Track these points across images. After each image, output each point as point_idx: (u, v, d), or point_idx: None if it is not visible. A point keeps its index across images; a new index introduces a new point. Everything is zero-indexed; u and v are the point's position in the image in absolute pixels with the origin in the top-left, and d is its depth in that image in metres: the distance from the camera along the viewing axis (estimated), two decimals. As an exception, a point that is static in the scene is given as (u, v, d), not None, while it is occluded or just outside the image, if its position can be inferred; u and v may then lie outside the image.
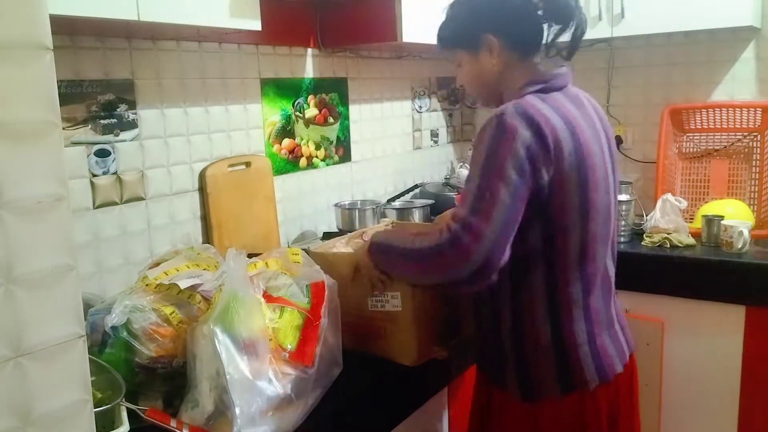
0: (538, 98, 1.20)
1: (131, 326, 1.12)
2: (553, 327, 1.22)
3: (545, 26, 1.29)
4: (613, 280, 1.33)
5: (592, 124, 1.24)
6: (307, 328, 1.18)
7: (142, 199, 1.67)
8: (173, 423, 1.03)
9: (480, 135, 1.18)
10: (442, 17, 1.37)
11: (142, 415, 1.01)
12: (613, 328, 1.31)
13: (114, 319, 1.11)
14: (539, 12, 1.28)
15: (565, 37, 1.30)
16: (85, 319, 1.02)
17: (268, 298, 1.17)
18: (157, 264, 1.34)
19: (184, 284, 1.21)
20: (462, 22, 1.32)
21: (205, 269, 1.34)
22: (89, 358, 1.03)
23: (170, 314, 1.16)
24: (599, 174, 1.21)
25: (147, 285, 1.22)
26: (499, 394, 1.31)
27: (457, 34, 1.33)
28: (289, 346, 1.13)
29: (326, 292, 1.24)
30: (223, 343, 1.03)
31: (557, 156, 1.14)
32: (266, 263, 1.24)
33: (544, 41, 1.30)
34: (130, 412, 1.01)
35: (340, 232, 2.09)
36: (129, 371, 1.11)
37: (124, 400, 1.01)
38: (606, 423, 1.26)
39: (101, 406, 0.96)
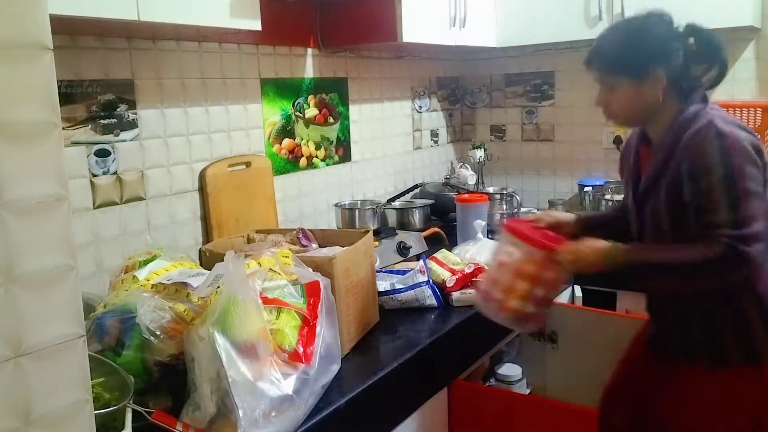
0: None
1: (150, 325, 1.12)
2: None
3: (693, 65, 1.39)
4: None
5: None
6: (305, 328, 1.18)
7: (142, 199, 1.67)
8: (179, 426, 1.03)
9: (704, 145, 1.29)
10: (608, 38, 1.42)
11: (149, 418, 1.01)
12: None
13: (145, 318, 1.11)
14: (692, 51, 1.38)
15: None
16: (85, 320, 1.02)
17: (264, 299, 1.17)
18: (129, 269, 1.33)
19: (195, 282, 1.21)
20: (634, 50, 1.37)
21: (197, 267, 1.35)
22: (100, 359, 1.04)
23: (183, 312, 1.16)
24: None
25: (142, 285, 1.22)
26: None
27: (625, 60, 1.38)
28: (288, 347, 1.13)
29: (321, 292, 1.24)
30: (223, 346, 1.03)
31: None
32: (259, 263, 1.24)
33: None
34: (138, 413, 1.00)
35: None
36: (145, 371, 1.11)
37: (132, 402, 1.00)
38: None
39: (109, 407, 0.96)
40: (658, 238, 1.38)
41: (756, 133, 1.33)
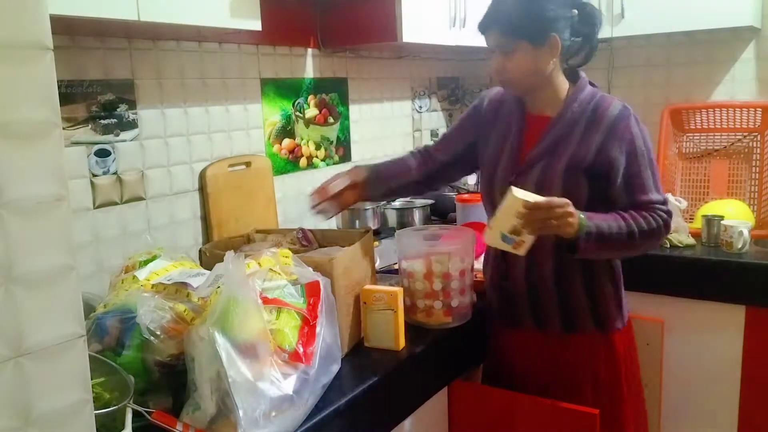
0: None
1: (150, 325, 1.12)
2: None
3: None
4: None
5: None
6: (305, 328, 1.18)
7: (142, 199, 1.67)
8: (179, 426, 1.03)
9: (632, 130, 1.42)
10: (506, 2, 1.41)
11: (149, 418, 1.01)
12: None
13: (145, 318, 1.11)
14: (574, 23, 1.44)
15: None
16: (86, 320, 1.02)
17: (264, 299, 1.17)
18: (129, 269, 1.33)
19: (195, 282, 1.21)
20: (534, 15, 1.39)
21: (197, 267, 1.35)
22: (100, 359, 1.04)
23: (183, 312, 1.16)
24: None
25: (142, 285, 1.22)
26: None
27: (525, 24, 1.39)
28: (288, 347, 1.13)
29: (321, 292, 1.24)
30: (223, 346, 1.03)
31: None
32: (259, 263, 1.24)
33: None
34: (138, 413, 1.00)
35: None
36: (145, 371, 1.11)
37: (131, 401, 1.00)
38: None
39: (109, 407, 0.96)
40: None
41: None
